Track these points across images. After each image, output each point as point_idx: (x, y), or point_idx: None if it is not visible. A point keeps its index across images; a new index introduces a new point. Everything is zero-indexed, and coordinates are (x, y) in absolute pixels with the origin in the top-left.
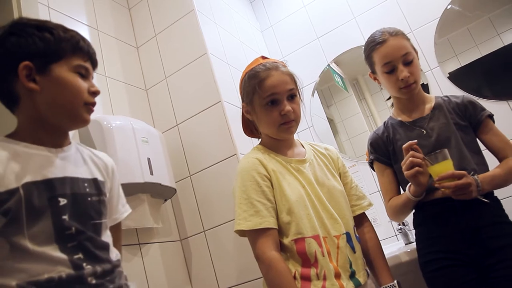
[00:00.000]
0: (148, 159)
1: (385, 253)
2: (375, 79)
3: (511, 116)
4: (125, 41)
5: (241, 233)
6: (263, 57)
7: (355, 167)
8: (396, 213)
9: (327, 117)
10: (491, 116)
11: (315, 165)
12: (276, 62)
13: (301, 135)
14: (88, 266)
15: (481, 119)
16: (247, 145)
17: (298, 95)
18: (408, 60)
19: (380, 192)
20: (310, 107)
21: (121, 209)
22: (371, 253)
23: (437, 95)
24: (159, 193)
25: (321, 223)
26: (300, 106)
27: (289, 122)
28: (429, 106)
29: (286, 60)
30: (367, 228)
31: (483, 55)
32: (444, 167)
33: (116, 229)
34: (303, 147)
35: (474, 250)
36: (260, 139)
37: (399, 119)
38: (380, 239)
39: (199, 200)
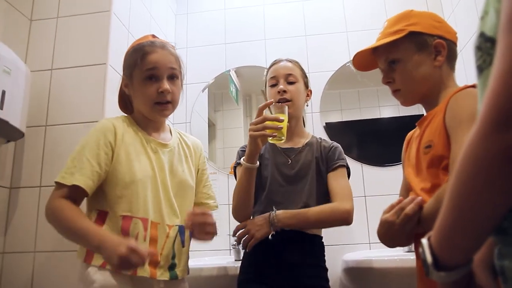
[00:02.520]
0: (4, 91)
1: (212, 263)
2: (264, 94)
3: (360, 177)
4: None
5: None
6: (153, 36)
7: (215, 175)
8: (237, 193)
9: (209, 119)
10: (347, 168)
11: (175, 153)
12: (164, 42)
13: (176, 128)
14: None
15: (335, 165)
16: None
17: (180, 78)
18: (290, 81)
19: (230, 206)
20: (195, 103)
21: None
22: None
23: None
24: (3, 131)
25: (157, 209)
26: (179, 91)
27: (165, 104)
28: (303, 140)
29: (176, 45)
30: None
31: (363, 118)
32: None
33: None
34: (171, 134)
35: (287, 283)
36: None
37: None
38: (214, 249)
39: (46, 154)
